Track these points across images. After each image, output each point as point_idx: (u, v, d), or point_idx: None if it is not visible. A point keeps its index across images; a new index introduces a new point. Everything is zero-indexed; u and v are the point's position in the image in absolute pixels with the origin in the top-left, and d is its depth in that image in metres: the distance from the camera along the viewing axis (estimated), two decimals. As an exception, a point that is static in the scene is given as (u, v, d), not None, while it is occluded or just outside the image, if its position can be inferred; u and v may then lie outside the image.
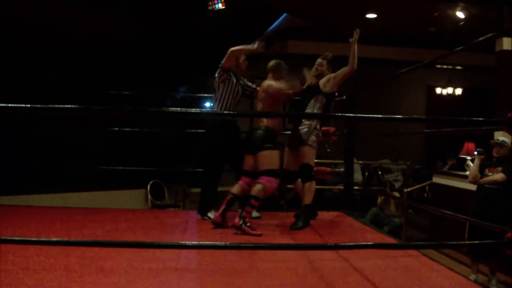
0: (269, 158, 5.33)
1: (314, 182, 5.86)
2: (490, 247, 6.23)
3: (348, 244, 4.20)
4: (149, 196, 9.95)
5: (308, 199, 5.78)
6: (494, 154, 6.77)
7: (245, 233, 5.07)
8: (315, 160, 6.32)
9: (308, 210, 5.78)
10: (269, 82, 5.67)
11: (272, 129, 5.42)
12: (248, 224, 5.16)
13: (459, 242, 6.94)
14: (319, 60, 6.41)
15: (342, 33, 11.36)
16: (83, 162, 9.37)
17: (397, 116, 3.00)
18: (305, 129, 5.83)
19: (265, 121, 5.44)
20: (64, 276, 3.55)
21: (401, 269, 4.16)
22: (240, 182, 5.57)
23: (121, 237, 4.89)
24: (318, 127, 5.88)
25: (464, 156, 9.40)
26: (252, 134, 5.49)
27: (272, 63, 5.89)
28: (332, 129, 6.31)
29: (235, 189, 5.57)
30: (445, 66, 13.73)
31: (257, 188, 5.29)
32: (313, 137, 5.81)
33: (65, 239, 4.57)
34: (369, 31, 11.14)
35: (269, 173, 5.30)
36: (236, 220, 5.19)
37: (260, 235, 5.05)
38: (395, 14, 9.82)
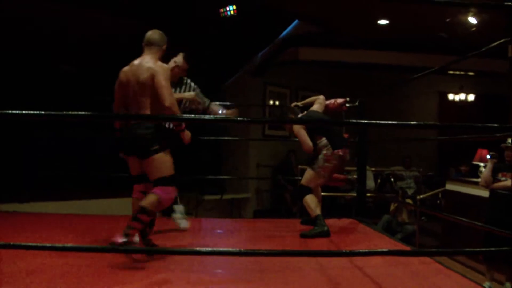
0: (161, 163, 4.35)
1: (308, 196, 5.79)
2: (506, 254, 6.18)
3: (362, 251, 4.18)
4: (162, 203, 9.92)
5: (312, 212, 5.73)
6: (506, 158, 6.73)
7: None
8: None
9: (319, 221, 5.65)
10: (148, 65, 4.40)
11: (158, 125, 4.45)
12: (151, 244, 4.40)
13: (474, 250, 6.89)
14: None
15: (353, 40, 11.45)
16: (97, 169, 9.41)
17: (411, 123, 2.98)
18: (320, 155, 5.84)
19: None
20: (75, 285, 3.56)
21: (414, 277, 4.13)
22: (135, 196, 4.72)
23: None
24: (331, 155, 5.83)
25: (477, 163, 9.35)
26: (131, 132, 4.37)
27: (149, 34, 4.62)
28: (345, 135, 6.27)
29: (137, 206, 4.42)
30: (457, 72, 13.67)
31: (149, 199, 4.27)
32: (318, 161, 5.82)
33: (79, 244, 4.58)
34: (381, 37, 11.15)
35: (163, 181, 4.35)
36: (118, 239, 4.12)
37: (146, 261, 4.14)
38: (407, 20, 9.79)
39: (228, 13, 8.58)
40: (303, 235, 5.51)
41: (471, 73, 13.75)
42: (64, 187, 9.06)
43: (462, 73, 13.68)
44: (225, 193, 11.45)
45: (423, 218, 11.06)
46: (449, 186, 9.73)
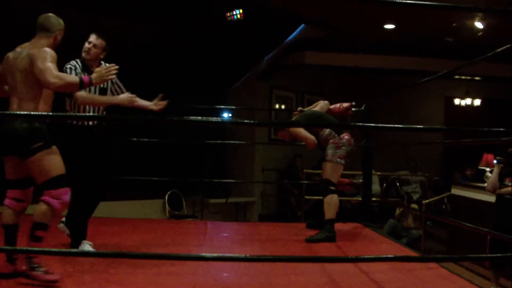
0: (46, 162, 3.67)
1: (333, 196, 5.74)
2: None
3: (369, 256, 4.17)
4: (167, 206, 9.96)
5: (328, 213, 5.69)
6: None
7: (39, 279, 3.57)
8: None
9: (329, 226, 5.65)
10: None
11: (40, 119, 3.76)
12: (41, 268, 3.60)
13: (480, 255, 6.88)
14: None
15: (360, 44, 11.45)
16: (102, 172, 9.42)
17: (417, 126, 2.96)
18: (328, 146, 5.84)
19: (31, 108, 3.71)
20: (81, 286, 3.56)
21: (420, 282, 4.13)
22: (7, 203, 3.81)
23: (140, 248, 4.91)
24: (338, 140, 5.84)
25: (483, 168, 9.32)
26: (7, 127, 3.67)
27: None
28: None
29: (6, 217, 3.77)
30: (463, 77, 13.63)
31: (40, 210, 3.65)
32: (330, 152, 5.80)
33: (79, 249, 4.58)
34: (387, 42, 11.14)
35: (51, 184, 3.66)
36: (24, 266, 3.63)
37: (57, 281, 3.59)
38: (413, 24, 9.78)
39: (235, 17, 8.59)
40: (309, 240, 5.50)
41: (477, 78, 13.72)
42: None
43: (468, 77, 13.64)
44: (230, 196, 11.45)
45: (428, 222, 11.03)
46: (455, 191, 9.70)
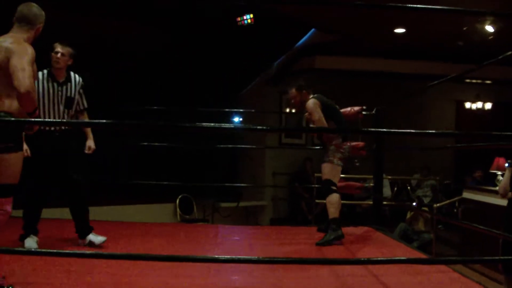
0: (7, 166, 3.42)
1: (334, 196, 5.78)
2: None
3: (380, 259, 4.19)
4: (178, 210, 9.99)
5: (331, 213, 5.73)
6: None
7: None
8: (343, 175, 6.37)
9: (334, 225, 5.68)
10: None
11: (14, 117, 3.50)
12: (3, 286, 3.36)
13: (492, 258, 6.85)
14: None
15: (370, 48, 11.45)
16: (113, 176, 9.49)
17: (429, 131, 2.96)
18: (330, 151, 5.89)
19: (6, 104, 3.46)
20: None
21: (432, 285, 4.12)
22: None
23: (151, 251, 4.93)
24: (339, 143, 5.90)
25: (494, 171, 9.29)
26: None
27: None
28: (361, 144, 6.29)
29: None
30: (474, 81, 13.60)
31: None
32: (329, 153, 5.85)
33: (96, 251, 4.62)
34: (398, 46, 11.14)
35: (1, 191, 3.41)
36: None
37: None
38: (423, 28, 9.78)
39: (245, 22, 8.63)
40: (319, 244, 5.52)
41: (488, 81, 13.68)
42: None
43: (479, 81, 13.61)
44: (241, 200, 11.48)
45: (440, 226, 11.00)
46: (466, 195, 9.68)
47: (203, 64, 10.25)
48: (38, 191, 4.99)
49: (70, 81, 5.09)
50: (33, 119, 3.57)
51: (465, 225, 8.32)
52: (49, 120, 4.96)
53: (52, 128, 4.89)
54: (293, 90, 6.04)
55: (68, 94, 5.03)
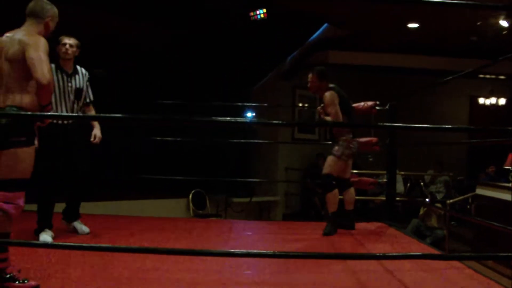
0: (18, 160, 3.41)
1: (335, 191, 5.97)
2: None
3: (393, 254, 4.17)
4: (191, 205, 10.01)
5: (331, 207, 5.95)
6: None
7: None
8: (355, 171, 6.40)
9: (332, 218, 5.93)
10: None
11: (26, 112, 3.51)
12: (19, 280, 3.37)
13: (506, 254, 6.82)
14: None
15: (383, 43, 11.42)
16: (126, 171, 9.52)
17: (444, 126, 2.93)
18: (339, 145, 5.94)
19: (17, 98, 3.47)
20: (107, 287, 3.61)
21: (445, 282, 4.11)
22: None
23: (165, 245, 4.95)
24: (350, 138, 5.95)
25: (508, 167, 9.24)
26: None
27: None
28: (374, 139, 6.28)
29: None
30: (488, 76, 13.53)
31: None
32: (339, 148, 5.91)
33: (111, 245, 4.64)
34: (411, 41, 11.09)
35: (11, 185, 3.39)
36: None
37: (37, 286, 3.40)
38: (437, 23, 9.74)
39: (258, 16, 8.63)
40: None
41: (502, 77, 13.60)
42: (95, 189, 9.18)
43: (493, 76, 13.53)
44: (254, 195, 11.48)
45: (452, 223, 10.96)
46: (480, 191, 9.63)
47: (217, 60, 10.25)
48: (52, 185, 5.06)
49: (78, 73, 5.22)
50: (45, 113, 3.59)
51: (478, 221, 8.28)
52: (64, 114, 5.06)
53: (65, 121, 5.01)
54: (314, 76, 6.05)
55: (77, 85, 5.16)
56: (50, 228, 5.01)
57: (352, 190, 6.22)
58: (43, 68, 3.38)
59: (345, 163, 6.01)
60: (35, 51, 3.42)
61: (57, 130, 4.91)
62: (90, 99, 5.35)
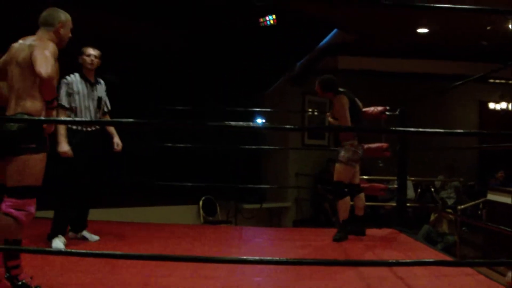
0: (28, 167, 3.40)
1: (347, 199, 6.01)
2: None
3: (406, 261, 4.16)
4: (201, 212, 10.01)
5: (342, 214, 5.99)
6: None
7: None
8: (365, 177, 6.39)
9: (343, 225, 5.98)
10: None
11: (38, 119, 3.51)
12: (31, 286, 3.41)
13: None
14: None
15: (393, 48, 11.40)
16: (136, 177, 9.54)
17: (456, 131, 2.90)
18: (343, 149, 5.95)
19: (28, 105, 3.47)
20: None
21: (458, 288, 4.10)
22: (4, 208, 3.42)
23: (175, 252, 4.96)
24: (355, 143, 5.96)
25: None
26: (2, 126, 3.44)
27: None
28: (384, 145, 6.28)
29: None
30: (498, 81, 13.46)
31: (3, 225, 3.36)
32: (344, 153, 5.90)
33: (121, 252, 4.65)
34: (421, 46, 11.07)
35: (22, 192, 3.38)
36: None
37: None
38: (447, 28, 9.72)
39: (268, 22, 8.63)
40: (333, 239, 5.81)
41: (512, 82, 13.55)
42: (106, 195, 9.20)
43: (503, 81, 13.47)
44: (264, 202, 11.47)
45: (464, 228, 10.91)
46: (491, 196, 9.58)
47: (227, 65, 10.26)
48: (74, 192, 5.19)
49: (99, 83, 5.42)
50: (52, 118, 3.68)
51: (490, 226, 8.24)
52: (84, 119, 5.32)
53: (89, 129, 5.19)
54: (318, 86, 6.11)
55: (99, 94, 5.36)
56: (64, 234, 5.08)
57: (362, 195, 6.23)
58: (46, 63, 3.37)
59: (353, 169, 6.02)
60: (40, 51, 3.44)
61: (84, 136, 5.15)
62: (108, 108, 5.53)
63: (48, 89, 3.48)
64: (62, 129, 4.96)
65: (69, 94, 5.14)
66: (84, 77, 5.24)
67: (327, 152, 11.62)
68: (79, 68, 5.26)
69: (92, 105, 5.26)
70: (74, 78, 5.19)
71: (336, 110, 5.94)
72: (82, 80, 5.22)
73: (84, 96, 5.19)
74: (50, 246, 4.86)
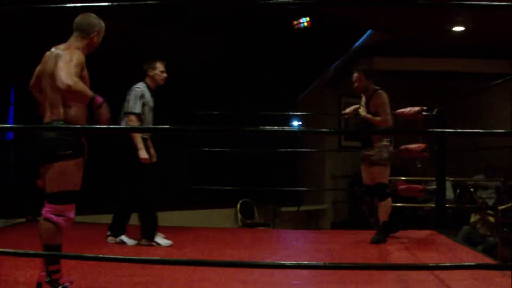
0: (65, 173, 3.47)
1: (389, 200, 6.01)
2: None
3: (447, 264, 4.11)
4: (239, 215, 10.05)
5: (383, 216, 5.98)
6: None
7: None
8: (404, 178, 6.35)
9: (385, 228, 5.97)
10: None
11: (74, 127, 3.58)
12: (62, 285, 3.45)
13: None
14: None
15: (428, 48, 11.28)
16: (175, 182, 9.63)
17: (496, 131, 2.85)
18: (376, 150, 5.91)
19: (62, 112, 3.51)
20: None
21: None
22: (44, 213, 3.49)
23: (213, 256, 4.98)
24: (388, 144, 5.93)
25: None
26: (38, 135, 3.56)
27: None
28: (422, 145, 6.22)
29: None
30: (536, 79, 13.23)
31: (45, 230, 3.43)
32: (380, 156, 5.89)
33: (161, 258, 4.70)
34: (457, 44, 10.93)
35: (61, 197, 3.45)
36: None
37: None
38: (483, 26, 9.58)
39: (302, 25, 8.63)
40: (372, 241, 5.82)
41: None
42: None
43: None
44: (302, 204, 11.46)
45: (505, 229, 10.74)
46: (533, 196, 9.43)
47: (261, 69, 10.27)
48: (137, 198, 5.59)
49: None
50: (78, 126, 3.60)
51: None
52: (119, 126, 5.49)
53: (146, 136, 5.49)
54: (361, 74, 6.09)
55: (153, 104, 5.66)
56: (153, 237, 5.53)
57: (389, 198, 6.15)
58: (65, 75, 3.31)
59: (389, 169, 6.00)
60: (61, 61, 3.40)
61: (145, 144, 5.44)
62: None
63: (74, 98, 3.46)
64: (138, 137, 5.30)
65: (143, 104, 5.45)
66: (150, 88, 5.59)
67: (363, 154, 11.55)
68: (142, 76, 5.63)
69: (151, 115, 5.60)
70: (144, 89, 5.52)
71: (378, 104, 5.91)
72: (149, 91, 5.57)
73: (150, 107, 5.54)
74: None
